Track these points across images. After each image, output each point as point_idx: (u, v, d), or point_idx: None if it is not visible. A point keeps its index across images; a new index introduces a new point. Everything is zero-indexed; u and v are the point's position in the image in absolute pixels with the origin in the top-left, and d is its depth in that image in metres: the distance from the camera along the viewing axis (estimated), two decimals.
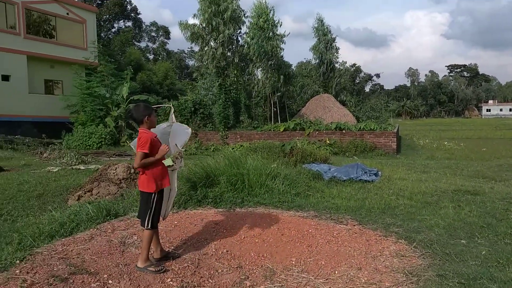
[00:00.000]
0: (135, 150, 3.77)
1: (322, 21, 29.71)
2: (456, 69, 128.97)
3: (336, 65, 30.65)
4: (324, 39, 29.31)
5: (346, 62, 35.37)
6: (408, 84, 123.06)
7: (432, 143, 20.72)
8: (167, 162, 3.87)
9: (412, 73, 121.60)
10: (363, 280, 3.68)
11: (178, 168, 4.17)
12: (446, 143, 20.60)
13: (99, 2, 46.19)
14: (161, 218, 4.25)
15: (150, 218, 3.83)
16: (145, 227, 3.86)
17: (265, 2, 23.17)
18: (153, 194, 3.84)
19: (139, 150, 3.70)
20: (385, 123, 23.35)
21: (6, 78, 21.13)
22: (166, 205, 4.31)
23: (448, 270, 3.77)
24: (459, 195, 7.15)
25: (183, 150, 4.21)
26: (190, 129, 4.38)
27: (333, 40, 29.58)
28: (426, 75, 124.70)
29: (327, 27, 29.45)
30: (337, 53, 30.03)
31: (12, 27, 21.62)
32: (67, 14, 24.39)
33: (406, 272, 3.81)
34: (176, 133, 4.35)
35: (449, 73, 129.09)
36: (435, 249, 4.38)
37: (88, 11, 26.35)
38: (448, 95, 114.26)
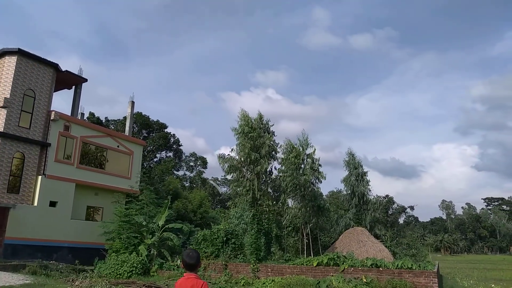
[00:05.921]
0: None
1: (353, 155, 30.83)
2: (494, 202, 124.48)
3: (369, 197, 30.65)
4: (355, 172, 29.94)
5: (380, 197, 35.23)
6: (444, 217, 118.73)
7: (477, 285, 19.22)
8: None
9: (446, 206, 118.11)
10: None
11: None
12: (493, 285, 19.05)
13: (145, 135, 50.78)
14: None
15: None
16: None
17: (302, 137, 24.72)
18: None
19: None
20: (423, 260, 22.26)
21: (53, 204, 22.53)
22: None
23: None
24: None
25: None
26: None
27: (365, 173, 30.15)
28: (462, 207, 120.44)
29: (358, 161, 30.33)
30: (368, 185, 30.28)
31: (67, 157, 23.94)
32: (118, 146, 26.97)
33: None
34: None
35: (486, 206, 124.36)
36: None
37: (137, 144, 29.03)
38: (489, 230, 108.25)
